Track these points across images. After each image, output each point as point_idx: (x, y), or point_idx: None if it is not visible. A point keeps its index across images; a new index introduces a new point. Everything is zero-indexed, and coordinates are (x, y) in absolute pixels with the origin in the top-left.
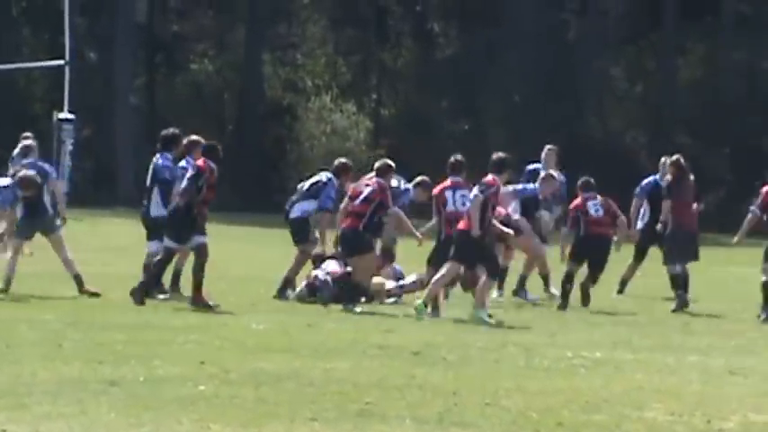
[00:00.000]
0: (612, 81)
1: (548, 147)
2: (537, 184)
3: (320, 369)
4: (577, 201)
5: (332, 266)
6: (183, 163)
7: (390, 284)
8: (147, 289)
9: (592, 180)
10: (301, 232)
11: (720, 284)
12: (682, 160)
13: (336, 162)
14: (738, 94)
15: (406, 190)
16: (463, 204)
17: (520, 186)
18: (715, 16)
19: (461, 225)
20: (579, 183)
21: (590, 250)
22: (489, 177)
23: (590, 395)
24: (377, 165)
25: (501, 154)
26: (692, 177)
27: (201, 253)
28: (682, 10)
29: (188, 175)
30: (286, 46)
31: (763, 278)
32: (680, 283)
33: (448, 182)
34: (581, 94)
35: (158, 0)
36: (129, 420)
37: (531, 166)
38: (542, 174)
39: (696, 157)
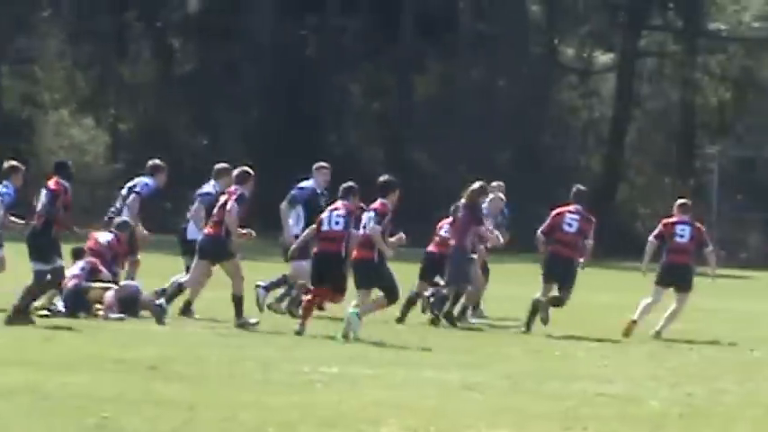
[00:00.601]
0: (351, 97)
1: (320, 164)
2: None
3: (56, 383)
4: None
5: (73, 270)
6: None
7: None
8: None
9: (459, 204)
10: (133, 242)
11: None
12: (483, 187)
13: (149, 163)
14: (475, 111)
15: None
16: (336, 224)
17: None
18: (453, 34)
19: (357, 254)
20: (453, 208)
21: (431, 266)
22: (378, 203)
23: (327, 410)
24: (235, 172)
25: (387, 177)
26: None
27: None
28: (420, 27)
29: (46, 198)
30: (24, 59)
31: (537, 295)
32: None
33: (338, 204)
34: (320, 110)
35: None
36: None
37: (304, 184)
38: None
39: (433, 174)
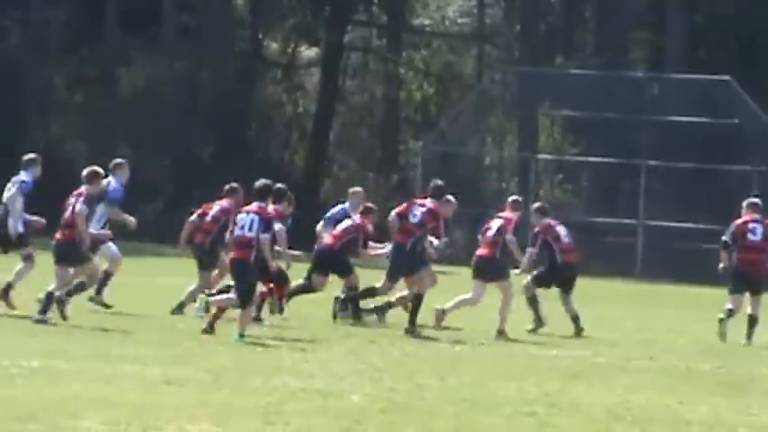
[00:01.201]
0: (54, 89)
1: (119, 161)
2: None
3: None
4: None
5: None
6: None
7: None
8: None
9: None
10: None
11: (150, 295)
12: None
13: (24, 158)
14: (179, 104)
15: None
16: (249, 230)
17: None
18: (157, 27)
19: (235, 254)
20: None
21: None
22: (255, 206)
23: (26, 404)
24: (84, 172)
25: (280, 185)
26: None
27: None
28: (124, 20)
29: None
30: None
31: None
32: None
33: (253, 206)
34: (23, 103)
35: None
36: None
37: (111, 186)
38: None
39: (137, 168)
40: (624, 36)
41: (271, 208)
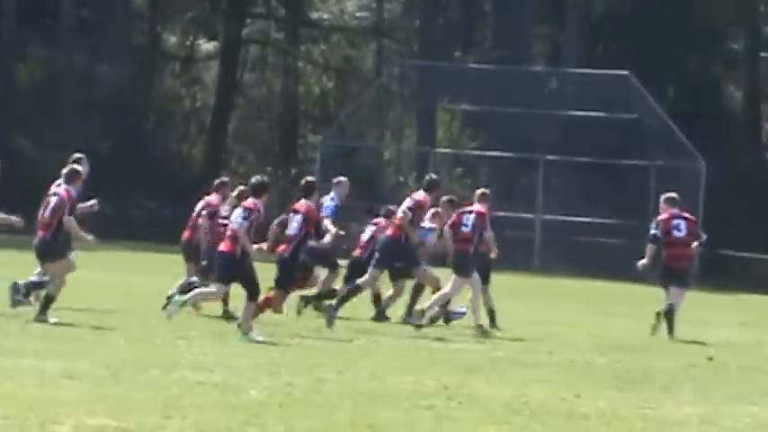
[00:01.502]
0: None
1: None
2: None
3: None
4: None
5: None
6: None
7: None
8: None
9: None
10: None
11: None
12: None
13: None
14: (77, 98)
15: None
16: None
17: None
18: (55, 20)
19: (223, 247)
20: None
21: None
22: (250, 202)
23: None
24: (64, 171)
25: (309, 178)
26: None
27: None
28: (22, 14)
29: None
30: None
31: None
32: None
33: (248, 202)
34: None
35: None
36: None
37: None
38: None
39: (35, 161)
40: (523, 31)
41: (302, 203)
